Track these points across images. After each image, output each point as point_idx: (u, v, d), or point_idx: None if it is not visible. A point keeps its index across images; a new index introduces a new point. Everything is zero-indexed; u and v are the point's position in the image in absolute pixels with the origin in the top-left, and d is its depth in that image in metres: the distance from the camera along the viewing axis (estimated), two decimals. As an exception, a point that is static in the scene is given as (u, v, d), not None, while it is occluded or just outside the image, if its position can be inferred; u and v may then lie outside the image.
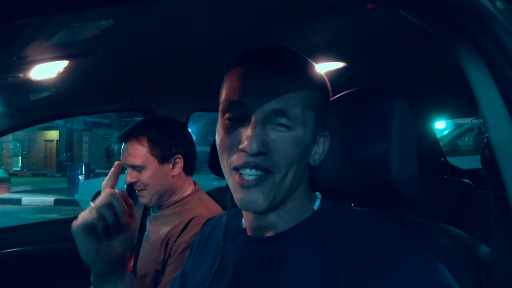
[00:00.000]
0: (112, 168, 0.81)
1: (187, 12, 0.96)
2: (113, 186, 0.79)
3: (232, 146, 0.67)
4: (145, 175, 1.43)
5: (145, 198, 1.45)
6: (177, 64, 1.49)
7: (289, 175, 0.68)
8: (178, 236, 1.36)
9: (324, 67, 1.59)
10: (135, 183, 1.44)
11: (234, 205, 0.73)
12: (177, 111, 2.02)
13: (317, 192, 0.77)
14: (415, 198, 0.78)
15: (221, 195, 1.57)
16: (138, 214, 1.61)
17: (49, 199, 11.19)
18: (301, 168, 0.70)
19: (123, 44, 1.13)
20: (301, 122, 0.67)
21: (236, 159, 0.67)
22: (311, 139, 0.70)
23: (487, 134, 0.73)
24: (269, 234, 0.73)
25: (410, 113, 0.78)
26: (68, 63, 1.12)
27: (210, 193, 1.60)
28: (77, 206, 9.35)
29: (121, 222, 0.76)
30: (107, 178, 0.80)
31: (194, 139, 1.57)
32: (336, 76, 1.55)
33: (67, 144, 20.75)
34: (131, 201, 0.80)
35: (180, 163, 1.47)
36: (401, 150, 0.75)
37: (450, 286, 0.58)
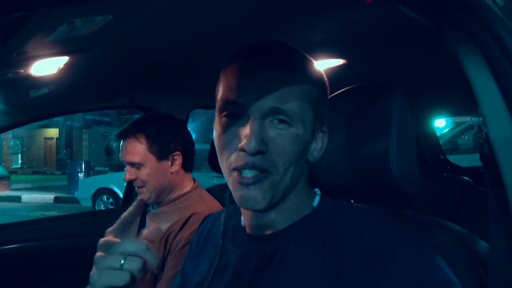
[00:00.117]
0: (135, 203, 0.72)
1: (187, 8, 0.96)
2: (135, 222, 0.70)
3: (231, 145, 0.67)
4: (144, 172, 1.43)
5: (144, 195, 1.46)
6: (177, 61, 1.49)
7: (288, 173, 0.67)
8: (178, 232, 1.37)
9: (323, 64, 1.59)
10: (134, 180, 1.45)
11: (232, 202, 0.73)
12: (177, 108, 2.02)
13: (316, 189, 0.77)
14: (415, 195, 0.78)
15: (220, 192, 1.57)
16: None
17: (49, 197, 11.20)
18: (300, 165, 0.70)
19: (123, 40, 1.13)
20: (300, 119, 0.67)
21: (235, 159, 0.66)
22: (310, 136, 0.69)
23: (485, 131, 0.74)
24: (269, 232, 0.73)
25: (410, 110, 0.78)
26: (69, 59, 1.12)
27: (210, 190, 1.60)
28: (77, 203, 9.36)
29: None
30: (128, 212, 0.70)
31: (194, 136, 1.58)
32: (335, 73, 1.56)
33: (67, 141, 20.76)
34: None
35: (178, 160, 1.48)
36: (400, 146, 0.76)
37: (451, 281, 0.58)
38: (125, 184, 2.24)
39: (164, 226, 1.42)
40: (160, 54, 1.38)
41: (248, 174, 0.66)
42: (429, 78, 2.02)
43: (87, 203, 8.82)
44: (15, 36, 0.82)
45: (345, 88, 0.86)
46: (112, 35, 1.02)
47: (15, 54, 0.93)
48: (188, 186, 1.52)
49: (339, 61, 1.61)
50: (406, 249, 0.60)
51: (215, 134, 0.71)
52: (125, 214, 0.68)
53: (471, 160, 2.92)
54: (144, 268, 0.63)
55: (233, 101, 0.67)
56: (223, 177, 0.72)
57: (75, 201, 9.60)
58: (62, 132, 21.01)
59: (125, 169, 1.47)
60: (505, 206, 0.71)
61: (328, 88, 0.74)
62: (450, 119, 7.78)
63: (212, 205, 1.47)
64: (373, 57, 1.64)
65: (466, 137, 8.11)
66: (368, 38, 1.35)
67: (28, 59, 1.01)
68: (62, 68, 1.20)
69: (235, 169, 0.67)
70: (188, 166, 1.52)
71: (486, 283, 0.77)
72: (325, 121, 0.74)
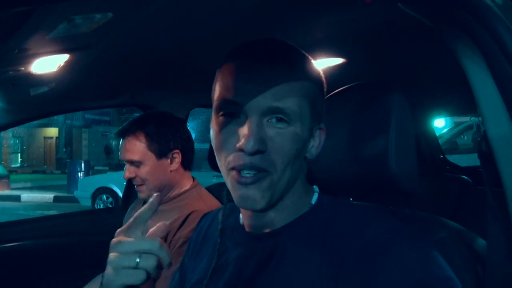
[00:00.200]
0: (152, 199, 0.69)
1: (186, 6, 0.96)
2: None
3: (229, 145, 0.66)
4: (143, 170, 1.43)
5: (143, 193, 1.46)
6: (177, 60, 1.49)
7: (287, 172, 0.67)
8: (177, 230, 1.37)
9: (323, 63, 1.60)
10: (133, 178, 1.45)
11: (230, 200, 0.72)
12: (177, 107, 2.02)
13: (314, 186, 0.76)
14: (413, 192, 0.79)
15: (219, 191, 1.57)
16: (137, 209, 1.62)
17: (48, 196, 11.20)
18: (298, 163, 0.69)
19: (123, 39, 1.13)
20: (298, 117, 0.66)
21: (234, 159, 0.66)
22: (308, 133, 0.69)
23: (484, 129, 0.74)
24: (268, 230, 0.72)
25: (409, 108, 0.78)
26: (69, 57, 1.12)
27: (209, 189, 1.60)
28: (77, 203, 9.36)
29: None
30: (144, 209, 0.68)
31: (193, 135, 1.58)
32: (335, 72, 1.56)
33: (67, 141, 20.74)
34: None
35: (178, 158, 1.48)
36: (399, 144, 0.76)
37: (450, 278, 0.58)
38: (124, 183, 2.25)
39: (164, 224, 1.42)
40: (160, 52, 1.39)
41: (247, 174, 0.65)
42: (429, 77, 2.02)
43: (86, 203, 8.82)
44: (16, 33, 0.82)
45: (344, 87, 0.86)
46: (112, 33, 1.02)
47: (16, 52, 0.94)
48: (187, 184, 1.52)
49: (339, 60, 1.61)
50: (406, 246, 0.61)
51: (212, 133, 0.71)
52: (140, 211, 0.68)
53: (470, 160, 2.92)
54: (159, 265, 0.63)
55: (230, 100, 0.66)
56: (222, 176, 0.72)
57: (74, 200, 9.60)
58: (62, 131, 20.98)
59: (124, 167, 1.48)
60: (503, 204, 0.72)
61: (326, 84, 0.74)
62: (449, 119, 7.80)
63: (211, 203, 1.47)
64: (373, 56, 1.64)
65: (466, 137, 8.12)
66: (367, 37, 1.35)
67: (29, 57, 1.02)
68: (63, 66, 1.20)
69: (233, 168, 0.66)
70: (187, 164, 1.53)
71: (484, 279, 0.77)
72: (323, 118, 0.73)
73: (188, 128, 1.63)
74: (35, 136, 21.93)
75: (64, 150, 20.54)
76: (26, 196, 11.41)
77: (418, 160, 0.79)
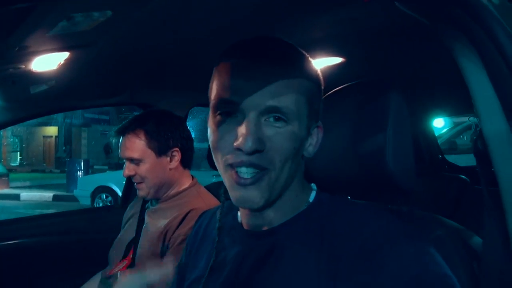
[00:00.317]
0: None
1: (186, 5, 0.97)
2: None
3: (226, 144, 0.66)
4: (143, 168, 1.44)
5: (143, 191, 1.47)
6: (176, 58, 1.50)
7: (285, 170, 0.67)
8: (176, 228, 1.38)
9: (322, 62, 1.60)
10: (133, 176, 1.46)
11: (227, 198, 0.73)
12: (176, 105, 2.03)
13: (312, 184, 0.77)
14: (411, 190, 0.79)
15: (218, 190, 1.56)
16: (137, 207, 1.63)
17: (47, 195, 11.20)
18: (296, 162, 0.69)
19: (123, 37, 1.13)
20: (296, 116, 0.66)
21: (231, 157, 0.66)
22: (305, 132, 0.69)
23: (479, 127, 0.75)
24: (266, 228, 0.72)
25: (406, 107, 0.79)
26: (69, 55, 1.13)
27: (208, 188, 1.61)
28: (76, 201, 9.36)
29: None
30: None
31: (193, 135, 1.59)
32: (334, 71, 1.57)
33: (66, 139, 20.72)
34: None
35: (177, 156, 1.48)
36: (396, 142, 0.76)
37: (447, 275, 0.59)
38: (124, 182, 2.26)
39: (163, 222, 1.43)
40: (159, 51, 1.39)
41: (246, 174, 0.65)
42: (428, 77, 2.03)
43: (86, 201, 8.82)
44: (16, 31, 0.82)
45: (342, 85, 0.87)
46: (112, 31, 1.03)
47: (16, 49, 0.94)
48: (186, 182, 1.53)
49: (338, 59, 1.62)
50: (403, 243, 0.61)
51: (209, 132, 0.70)
52: None
53: (469, 160, 2.93)
54: None
55: (227, 99, 0.66)
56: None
57: (74, 199, 9.60)
58: (61, 130, 20.96)
59: (124, 166, 1.48)
60: (499, 203, 0.72)
61: (323, 83, 0.73)
62: (448, 119, 7.80)
63: (211, 201, 1.48)
64: (372, 56, 1.64)
65: (465, 137, 8.13)
66: (366, 37, 1.35)
67: (29, 54, 1.02)
68: (63, 64, 1.20)
69: (231, 165, 0.66)
70: (186, 162, 1.53)
71: (479, 277, 0.78)
72: (320, 116, 0.73)
73: (188, 127, 1.64)
74: (35, 135, 21.92)
75: (63, 149, 20.53)
76: (25, 194, 11.40)
77: (416, 160, 0.79)
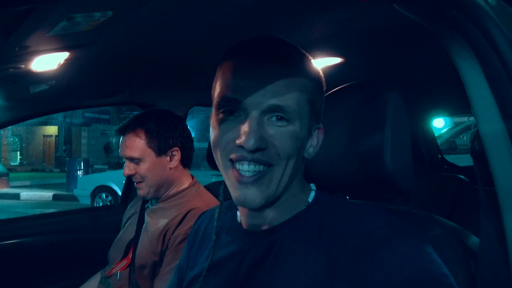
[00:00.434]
0: None
1: (185, 4, 0.97)
2: None
3: (228, 141, 0.67)
4: (143, 167, 1.44)
5: (143, 190, 1.47)
6: (176, 58, 1.50)
7: (287, 169, 0.68)
8: (176, 228, 1.38)
9: (321, 63, 1.60)
10: (133, 175, 1.46)
11: (227, 198, 0.73)
12: (176, 105, 2.03)
13: (311, 184, 0.77)
14: (409, 189, 0.80)
15: (218, 189, 1.58)
16: (137, 207, 1.63)
17: (47, 194, 11.19)
18: (297, 162, 0.70)
19: (123, 37, 1.14)
20: (298, 116, 0.67)
21: (233, 154, 0.66)
22: (306, 132, 0.70)
23: (476, 128, 0.75)
24: (265, 227, 0.73)
25: (404, 106, 0.79)
26: (69, 54, 1.13)
27: (208, 187, 1.61)
28: (76, 201, 9.36)
29: None
30: None
31: (192, 134, 1.59)
32: (333, 72, 1.57)
33: (66, 139, 20.70)
34: None
35: (177, 155, 1.49)
36: (395, 142, 0.77)
37: (443, 274, 0.59)
38: (124, 182, 2.26)
39: (163, 221, 1.43)
40: (159, 51, 1.39)
41: (247, 172, 0.66)
42: (428, 77, 2.03)
43: (86, 201, 8.81)
44: (16, 31, 0.83)
45: (341, 86, 0.87)
46: (112, 31, 1.03)
47: (16, 49, 0.94)
48: (186, 182, 1.53)
49: (337, 60, 1.62)
50: (400, 241, 0.61)
51: (212, 130, 0.71)
52: None
53: (468, 160, 2.93)
54: None
55: (230, 97, 0.66)
56: (222, 175, 0.72)
57: (74, 198, 9.59)
58: (61, 129, 20.94)
59: (124, 165, 1.49)
60: (495, 201, 0.73)
61: (325, 84, 0.74)
62: (448, 120, 7.80)
63: (210, 201, 1.48)
64: (371, 56, 1.65)
65: (465, 137, 8.13)
66: (366, 37, 1.35)
67: (29, 54, 1.02)
68: (63, 64, 1.21)
69: (231, 160, 0.67)
70: (186, 162, 1.54)
71: (476, 275, 0.78)
72: (321, 117, 0.74)
73: (187, 126, 1.64)
74: (35, 134, 21.89)
75: (63, 148, 20.51)
76: (25, 194, 11.39)
77: (416, 160, 0.80)
